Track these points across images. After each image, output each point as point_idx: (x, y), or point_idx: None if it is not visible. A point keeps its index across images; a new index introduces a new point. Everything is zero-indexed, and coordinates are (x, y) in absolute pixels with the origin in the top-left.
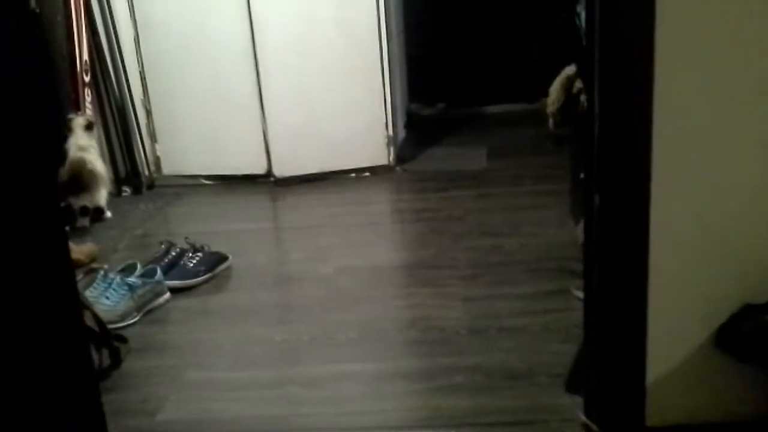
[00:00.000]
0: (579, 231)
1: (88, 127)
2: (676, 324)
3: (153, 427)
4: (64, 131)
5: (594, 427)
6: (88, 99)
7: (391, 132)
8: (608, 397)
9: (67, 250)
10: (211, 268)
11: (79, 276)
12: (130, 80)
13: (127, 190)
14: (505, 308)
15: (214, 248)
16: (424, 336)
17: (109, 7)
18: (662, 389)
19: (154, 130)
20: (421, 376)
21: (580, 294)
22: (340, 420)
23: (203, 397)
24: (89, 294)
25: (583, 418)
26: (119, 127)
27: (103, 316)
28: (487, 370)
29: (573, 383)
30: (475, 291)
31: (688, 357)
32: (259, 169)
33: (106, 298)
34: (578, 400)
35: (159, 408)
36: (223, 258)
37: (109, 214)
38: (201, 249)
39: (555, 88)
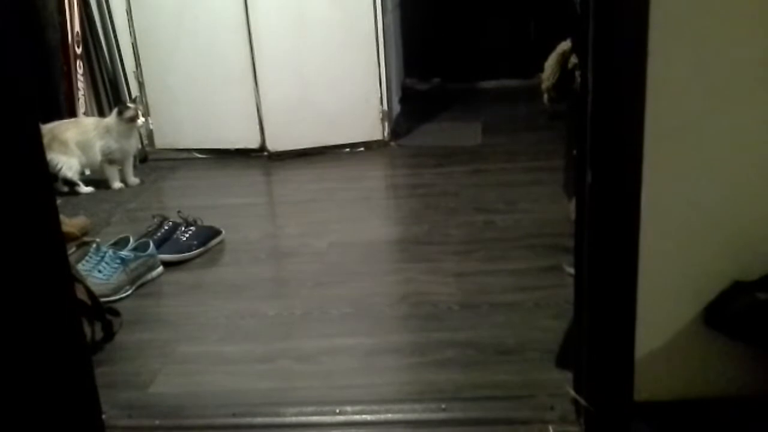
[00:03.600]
0: (572, 207)
1: (120, 112)
2: (666, 300)
3: (145, 399)
4: (58, 104)
5: (583, 401)
6: (80, 71)
7: (385, 107)
8: (597, 373)
9: (57, 223)
10: (204, 243)
11: (72, 249)
12: (122, 52)
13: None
14: (498, 284)
15: (207, 222)
16: (417, 311)
17: None
18: (651, 365)
19: (146, 103)
20: (413, 351)
21: (572, 270)
22: (332, 394)
23: (195, 371)
24: (81, 267)
25: (572, 393)
26: (112, 100)
27: (96, 289)
28: (479, 345)
29: (563, 359)
30: (467, 267)
31: (678, 333)
32: (253, 143)
33: (98, 271)
34: (568, 375)
35: (151, 381)
36: (216, 232)
37: (84, 188)
38: (194, 223)
39: (550, 64)
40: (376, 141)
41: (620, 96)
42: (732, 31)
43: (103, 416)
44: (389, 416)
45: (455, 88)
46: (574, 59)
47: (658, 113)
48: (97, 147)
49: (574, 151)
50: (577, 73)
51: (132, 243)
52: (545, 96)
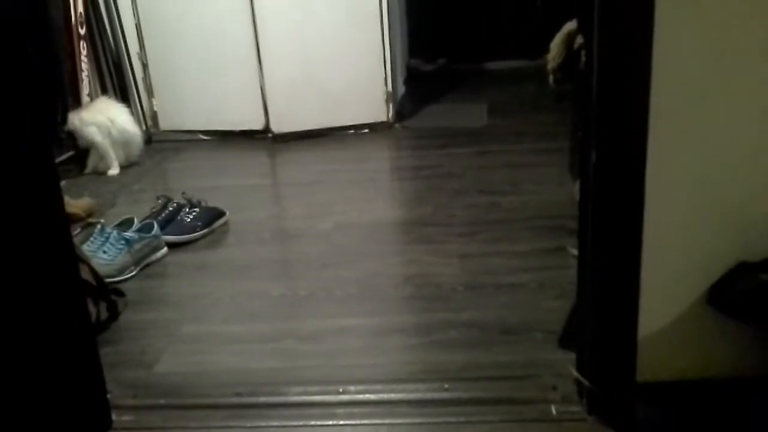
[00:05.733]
0: (576, 188)
1: None
2: (670, 281)
3: (150, 379)
4: (62, 86)
5: (586, 381)
6: (84, 52)
7: (390, 88)
8: (600, 353)
9: (61, 204)
10: (208, 224)
11: (76, 230)
12: (126, 33)
13: None
14: (502, 265)
15: (212, 204)
16: (421, 292)
17: None
18: (654, 346)
19: (150, 84)
20: (417, 331)
21: (576, 251)
22: (337, 373)
23: (200, 350)
24: (86, 248)
25: (575, 373)
26: (115, 82)
27: (101, 270)
28: (483, 326)
29: (566, 339)
30: (472, 248)
31: (681, 314)
32: (257, 125)
33: (103, 252)
34: (571, 355)
35: (156, 360)
36: (220, 213)
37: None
38: (198, 204)
39: (556, 44)
40: (380, 122)
41: (625, 76)
42: (738, 8)
43: (108, 395)
44: (393, 396)
45: (461, 69)
46: (580, 39)
47: (663, 94)
48: None
49: (580, 132)
50: (583, 53)
51: (136, 224)
52: (551, 77)
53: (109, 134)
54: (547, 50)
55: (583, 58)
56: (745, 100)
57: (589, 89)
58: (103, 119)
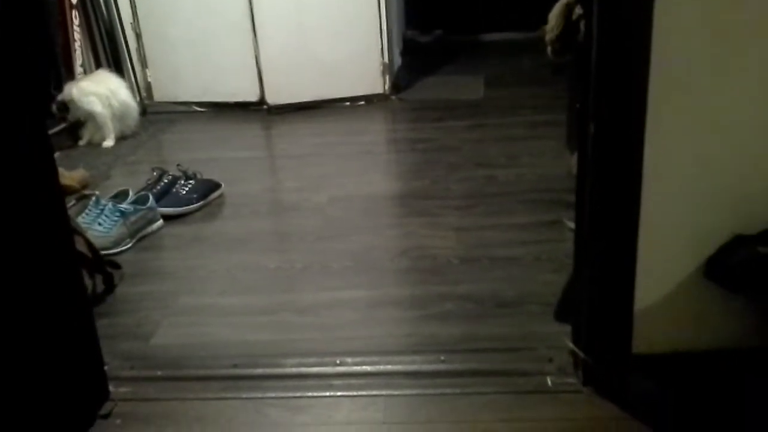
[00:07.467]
0: (573, 161)
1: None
2: (666, 253)
3: (146, 350)
4: (54, 56)
5: (581, 354)
6: (76, 22)
7: (386, 59)
8: (596, 325)
9: (56, 176)
10: (203, 196)
11: (71, 202)
12: (118, 2)
13: None
14: (498, 238)
15: (207, 176)
16: (417, 265)
17: None
18: (650, 318)
19: (144, 55)
20: (413, 304)
21: (573, 225)
22: (332, 345)
23: (196, 322)
24: (81, 220)
25: (571, 345)
26: (109, 52)
27: (96, 242)
28: (479, 299)
29: (562, 312)
30: (468, 221)
31: (677, 287)
32: (252, 96)
33: (98, 224)
34: (567, 328)
35: (152, 332)
36: (215, 186)
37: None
38: (193, 176)
39: (554, 15)
40: (376, 94)
41: (625, 47)
42: None
43: (106, 367)
44: (389, 367)
45: (457, 41)
46: (578, 10)
47: (662, 66)
48: None
49: (578, 105)
50: (582, 24)
51: (131, 196)
52: (549, 48)
53: (109, 105)
54: (545, 21)
55: (582, 29)
56: (744, 73)
57: (587, 61)
58: (103, 90)
